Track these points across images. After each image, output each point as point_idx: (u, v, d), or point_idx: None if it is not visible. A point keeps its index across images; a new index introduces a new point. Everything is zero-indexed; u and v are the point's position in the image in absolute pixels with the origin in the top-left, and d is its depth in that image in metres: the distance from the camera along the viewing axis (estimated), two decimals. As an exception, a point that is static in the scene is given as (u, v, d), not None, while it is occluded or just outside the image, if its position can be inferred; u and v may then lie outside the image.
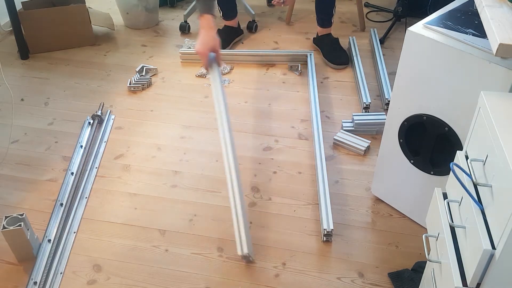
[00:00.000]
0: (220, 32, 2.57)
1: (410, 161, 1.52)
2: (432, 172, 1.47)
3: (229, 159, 1.58)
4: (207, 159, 1.90)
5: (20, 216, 1.48)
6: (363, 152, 1.90)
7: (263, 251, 1.56)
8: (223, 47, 2.50)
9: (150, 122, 2.09)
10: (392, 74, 2.29)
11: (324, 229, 1.56)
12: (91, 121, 2.07)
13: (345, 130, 1.99)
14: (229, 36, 2.57)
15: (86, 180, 1.80)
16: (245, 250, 1.47)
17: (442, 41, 1.25)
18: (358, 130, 1.99)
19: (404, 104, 1.44)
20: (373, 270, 1.50)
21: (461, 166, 1.02)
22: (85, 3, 2.54)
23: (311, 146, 1.95)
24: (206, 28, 1.73)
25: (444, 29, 1.29)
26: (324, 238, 1.57)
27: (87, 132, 2.02)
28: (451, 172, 1.04)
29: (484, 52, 1.19)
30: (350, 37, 2.56)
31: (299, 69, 2.37)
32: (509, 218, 0.80)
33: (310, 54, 2.41)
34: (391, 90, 2.12)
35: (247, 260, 1.51)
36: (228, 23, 2.57)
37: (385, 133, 1.56)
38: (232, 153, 1.59)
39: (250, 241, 1.51)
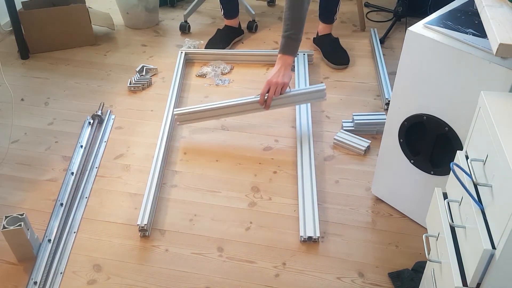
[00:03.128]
0: (220, 32, 2.57)
1: (410, 161, 1.52)
2: (432, 172, 1.47)
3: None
4: (207, 159, 1.90)
5: (20, 216, 1.48)
6: (363, 152, 1.90)
7: (263, 251, 1.56)
8: (223, 47, 2.50)
9: (150, 122, 2.09)
10: (392, 74, 2.29)
11: (301, 236, 1.57)
12: (91, 121, 2.07)
13: (345, 130, 1.99)
14: (230, 36, 2.57)
15: (86, 180, 1.80)
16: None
17: (442, 41, 1.26)
18: (358, 130, 1.99)
19: (404, 104, 1.44)
20: (373, 270, 1.50)
21: (461, 166, 1.02)
22: (85, 3, 2.54)
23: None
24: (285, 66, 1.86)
25: (444, 29, 1.29)
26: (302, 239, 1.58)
27: (87, 132, 2.02)
28: (451, 172, 1.04)
29: (484, 52, 1.19)
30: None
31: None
32: (509, 218, 0.80)
33: (311, 54, 2.41)
34: (391, 90, 2.13)
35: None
36: (229, 22, 2.57)
37: (385, 133, 1.56)
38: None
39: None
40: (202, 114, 1.97)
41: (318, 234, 1.56)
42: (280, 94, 1.87)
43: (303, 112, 2.08)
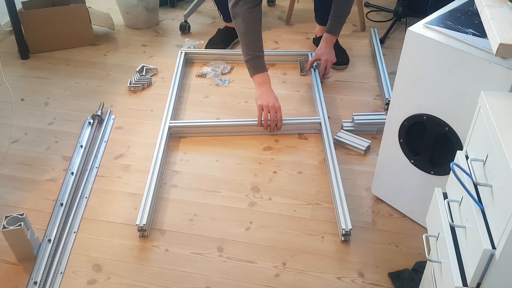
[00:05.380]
0: (220, 32, 2.57)
1: (410, 161, 1.52)
2: (432, 172, 1.47)
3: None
4: (207, 159, 1.90)
5: (20, 216, 1.48)
6: (363, 152, 1.90)
7: (263, 251, 1.56)
8: (223, 47, 2.50)
9: (150, 122, 2.09)
10: (392, 74, 2.29)
11: (343, 229, 1.56)
12: (91, 121, 2.07)
13: (345, 130, 1.99)
14: (230, 36, 2.57)
15: (86, 180, 1.80)
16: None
17: (442, 41, 1.25)
18: (358, 129, 1.99)
19: (404, 104, 1.44)
20: (373, 270, 1.50)
21: (461, 166, 1.02)
22: (85, 3, 2.54)
23: (311, 146, 1.95)
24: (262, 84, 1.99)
25: (444, 29, 1.29)
26: (343, 238, 1.57)
27: (87, 132, 2.02)
28: (451, 172, 1.04)
29: (484, 52, 1.19)
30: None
31: (304, 68, 2.37)
32: (509, 218, 0.80)
33: (311, 54, 2.41)
34: (391, 90, 2.13)
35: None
36: (229, 24, 2.57)
37: (385, 133, 1.56)
38: None
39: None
40: (197, 129, 2.01)
41: (350, 227, 1.57)
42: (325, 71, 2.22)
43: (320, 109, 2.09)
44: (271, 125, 1.95)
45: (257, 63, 1.98)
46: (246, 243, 1.59)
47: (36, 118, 2.12)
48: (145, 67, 2.38)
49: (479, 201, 0.93)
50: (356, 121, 1.98)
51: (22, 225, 1.45)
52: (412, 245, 1.57)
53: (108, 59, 2.51)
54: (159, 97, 2.23)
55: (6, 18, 2.53)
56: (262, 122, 1.95)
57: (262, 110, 1.94)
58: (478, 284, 0.92)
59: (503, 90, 1.15)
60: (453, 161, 1.05)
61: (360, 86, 2.28)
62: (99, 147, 1.95)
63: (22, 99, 2.23)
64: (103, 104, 2.16)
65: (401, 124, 1.48)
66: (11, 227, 1.44)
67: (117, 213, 1.69)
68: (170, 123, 2.00)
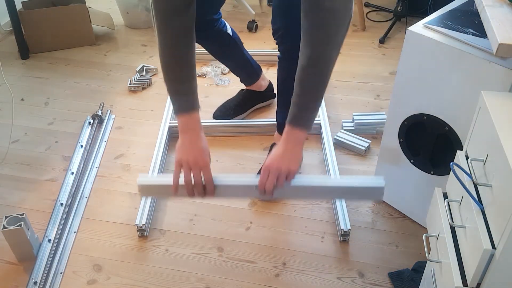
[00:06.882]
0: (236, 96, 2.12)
1: (410, 161, 1.52)
2: (432, 172, 1.47)
3: None
4: (207, 159, 1.90)
5: (20, 216, 1.48)
6: (364, 152, 1.90)
7: (263, 251, 1.56)
8: (235, 114, 2.07)
9: (150, 122, 2.09)
10: (392, 74, 2.29)
11: (342, 229, 1.56)
12: (91, 121, 2.07)
13: (345, 130, 1.99)
14: (250, 101, 2.09)
15: (86, 180, 1.80)
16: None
17: (442, 41, 1.26)
18: (359, 129, 1.99)
19: (404, 104, 1.44)
20: (373, 270, 1.50)
21: (461, 165, 1.02)
22: (85, 3, 2.54)
23: (311, 146, 1.95)
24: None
25: (444, 29, 1.29)
26: (341, 238, 1.58)
27: (87, 132, 2.02)
28: (451, 172, 1.04)
29: (484, 52, 1.19)
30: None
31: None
32: (509, 218, 0.80)
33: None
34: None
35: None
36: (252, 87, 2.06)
37: (385, 133, 1.56)
38: None
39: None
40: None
41: (349, 227, 1.57)
42: (286, 181, 1.21)
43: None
44: (196, 189, 1.24)
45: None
46: (246, 243, 1.59)
47: (36, 118, 2.12)
48: (145, 67, 2.38)
49: (479, 201, 0.93)
50: (356, 121, 1.98)
51: (22, 225, 1.45)
52: (412, 245, 1.57)
53: (108, 59, 2.51)
54: (159, 97, 2.23)
55: (6, 18, 2.53)
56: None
57: (181, 167, 1.24)
58: (478, 284, 0.92)
59: (503, 90, 1.15)
60: (453, 161, 1.05)
61: (360, 86, 2.28)
62: (99, 147, 1.95)
63: (22, 99, 2.23)
64: (103, 104, 2.16)
65: (401, 124, 1.48)
66: (11, 227, 1.45)
67: (117, 213, 1.69)
68: (170, 123, 2.00)
